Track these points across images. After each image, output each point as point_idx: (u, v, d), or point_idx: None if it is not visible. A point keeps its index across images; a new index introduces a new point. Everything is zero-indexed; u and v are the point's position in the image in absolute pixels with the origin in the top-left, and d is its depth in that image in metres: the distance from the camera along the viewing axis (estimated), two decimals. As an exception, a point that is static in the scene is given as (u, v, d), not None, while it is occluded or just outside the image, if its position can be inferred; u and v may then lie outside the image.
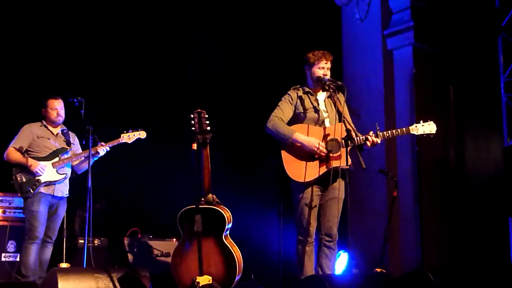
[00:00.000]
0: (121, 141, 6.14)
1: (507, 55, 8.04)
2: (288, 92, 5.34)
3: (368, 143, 5.03)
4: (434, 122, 5.20)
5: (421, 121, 5.20)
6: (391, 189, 7.21)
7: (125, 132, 6.14)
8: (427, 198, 7.75)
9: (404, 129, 5.16)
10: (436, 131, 5.20)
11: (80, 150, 6.33)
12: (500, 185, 7.70)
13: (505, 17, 8.06)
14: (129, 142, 6.16)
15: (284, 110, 5.24)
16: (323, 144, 5.00)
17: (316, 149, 4.98)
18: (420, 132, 5.18)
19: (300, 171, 5.05)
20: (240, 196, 7.55)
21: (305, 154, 5.06)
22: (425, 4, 8.14)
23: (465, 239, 8.00)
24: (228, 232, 5.03)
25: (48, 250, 6.11)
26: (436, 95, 8.19)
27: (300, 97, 5.27)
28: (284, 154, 5.14)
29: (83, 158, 6.16)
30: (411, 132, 5.17)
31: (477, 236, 8.01)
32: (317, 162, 5.03)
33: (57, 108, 6.17)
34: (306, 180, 5.03)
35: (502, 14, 8.09)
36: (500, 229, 7.77)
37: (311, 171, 5.03)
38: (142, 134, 6.19)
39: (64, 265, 5.85)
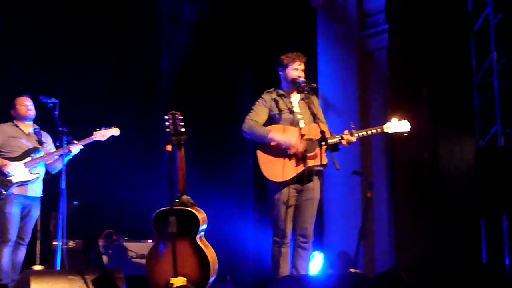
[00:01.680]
0: (94, 139, 6.05)
1: (480, 58, 8.10)
2: (262, 96, 5.35)
3: (344, 142, 5.06)
4: (408, 121, 5.22)
5: (394, 119, 5.23)
6: (365, 190, 7.22)
7: (98, 129, 6.06)
8: (401, 199, 7.79)
9: (378, 127, 5.18)
10: (410, 130, 5.23)
11: (53, 150, 6.24)
12: (472, 186, 7.76)
13: (477, 20, 8.12)
14: (103, 139, 6.08)
15: (258, 112, 5.24)
16: (299, 141, 5.00)
17: (293, 145, 4.97)
18: (394, 130, 5.22)
19: (276, 170, 5.04)
20: (216, 197, 7.53)
21: (281, 153, 5.06)
22: (400, 7, 8.17)
23: (438, 239, 8.05)
24: (202, 233, 5.01)
25: (21, 252, 6.02)
26: (411, 97, 8.22)
27: (274, 99, 5.27)
28: (260, 154, 5.13)
29: (56, 157, 6.07)
30: (385, 130, 5.20)
31: (450, 236, 8.07)
32: (293, 161, 5.04)
33: (26, 103, 6.09)
34: (282, 180, 5.02)
35: (475, 18, 8.15)
36: (473, 230, 7.83)
37: (288, 170, 5.03)
38: (116, 131, 6.12)
39: (37, 267, 5.77)
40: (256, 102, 5.33)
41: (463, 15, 8.28)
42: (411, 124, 5.26)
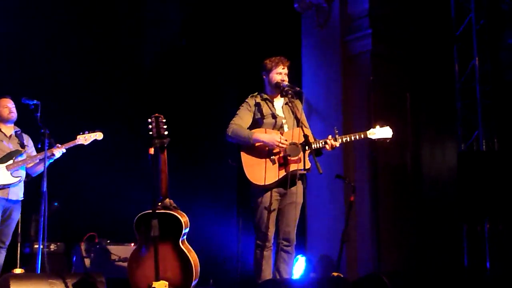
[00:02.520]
0: (77, 143, 5.99)
1: (462, 63, 8.15)
2: (246, 100, 5.33)
3: (327, 147, 5.04)
4: (391, 128, 5.23)
5: (378, 126, 5.23)
6: (348, 193, 7.22)
7: (81, 133, 6.00)
8: (384, 203, 7.81)
9: (361, 133, 5.17)
10: (392, 136, 5.22)
11: (35, 152, 6.17)
12: (454, 190, 7.79)
13: (460, 26, 8.17)
14: (86, 143, 6.02)
15: (242, 117, 5.23)
16: (284, 137, 4.99)
17: (278, 142, 4.96)
18: (377, 136, 5.21)
19: (260, 174, 5.01)
20: (198, 200, 7.50)
21: (264, 156, 5.03)
22: (384, 12, 8.21)
23: (421, 243, 8.08)
24: (185, 237, 4.97)
25: (1, 256, 5.93)
26: (394, 102, 8.25)
27: (258, 104, 5.26)
28: (244, 157, 5.10)
29: (38, 161, 5.99)
30: (368, 136, 5.19)
31: (432, 241, 8.10)
32: (276, 165, 5.02)
33: (7, 105, 6.01)
34: (265, 183, 4.99)
35: (457, 23, 8.20)
36: (455, 233, 7.86)
37: (271, 174, 5.00)
38: (99, 135, 6.06)
39: (18, 270, 5.68)
40: (240, 107, 5.32)
41: (446, 21, 8.34)
42: (393, 128, 5.26)
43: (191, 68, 8.67)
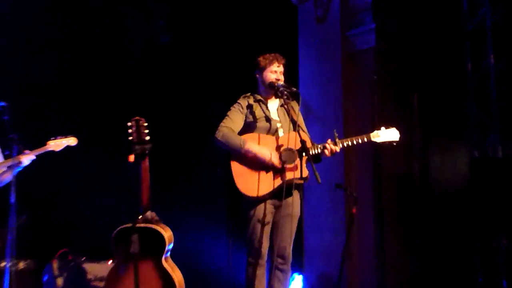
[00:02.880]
0: (48, 149, 5.95)
1: (475, 61, 8.15)
2: (238, 101, 5.33)
3: (327, 152, 5.04)
4: (397, 129, 5.22)
5: (383, 128, 5.22)
6: (349, 205, 7.22)
7: (52, 138, 5.96)
8: (389, 215, 7.80)
9: (364, 136, 5.16)
10: (399, 139, 5.21)
11: (2, 159, 6.13)
12: (467, 201, 7.80)
13: (473, 20, 8.18)
14: (57, 150, 5.98)
15: (234, 119, 5.21)
16: (276, 154, 4.98)
17: (269, 161, 4.95)
18: (382, 139, 5.21)
19: (252, 184, 5.01)
20: (184, 213, 7.48)
21: (257, 165, 5.02)
22: (389, 5, 8.22)
23: (430, 260, 8.07)
24: (168, 253, 4.96)
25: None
26: (400, 103, 8.26)
27: (250, 105, 5.25)
28: (234, 166, 5.09)
29: (5, 169, 5.95)
30: (372, 139, 5.18)
31: (443, 257, 8.09)
32: (270, 174, 5.01)
33: None
34: (258, 195, 4.98)
35: (470, 17, 8.21)
36: (468, 249, 7.86)
37: (265, 184, 4.99)
38: (72, 141, 6.03)
39: (-18, 290, 5.64)
40: (232, 108, 5.30)
41: (457, 14, 8.35)
42: (400, 133, 5.26)
43: (175, 66, 8.65)
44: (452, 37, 8.44)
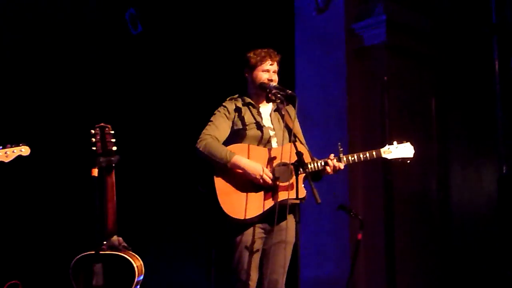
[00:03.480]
0: None
1: (503, 60, 8.18)
2: (224, 104, 5.28)
3: (329, 169, 5.00)
4: (412, 144, 5.21)
5: (395, 142, 5.22)
6: (354, 230, 7.21)
7: (1, 148, 5.94)
8: (402, 242, 7.80)
9: (373, 151, 5.15)
10: (414, 155, 5.21)
11: None
12: (494, 225, 7.81)
13: (500, 12, 8.21)
14: (7, 161, 5.94)
15: (218, 126, 5.18)
16: (268, 171, 4.95)
17: (259, 178, 4.92)
18: (394, 156, 5.20)
19: (239, 205, 4.97)
20: (157, 239, 7.44)
21: (246, 182, 4.99)
22: (402, -6, 8.27)
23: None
24: (138, 286, 4.91)
25: None
26: (415, 109, 8.28)
27: (238, 109, 5.22)
28: (218, 182, 5.05)
29: None
30: (383, 155, 5.17)
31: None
32: (261, 193, 4.97)
33: None
34: (246, 217, 4.95)
35: (498, 9, 8.24)
36: (495, 283, 7.86)
37: (254, 205, 4.96)
38: (25, 150, 5.98)
39: None
40: (216, 112, 5.27)
41: (482, 5, 8.39)
42: (415, 145, 5.25)
43: (149, 62, 8.63)
44: (477, 32, 8.48)
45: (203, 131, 5.16)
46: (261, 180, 4.93)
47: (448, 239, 8.28)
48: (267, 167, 4.98)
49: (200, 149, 5.07)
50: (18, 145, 5.97)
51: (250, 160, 5.01)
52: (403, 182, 7.90)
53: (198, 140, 5.11)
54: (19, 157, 5.99)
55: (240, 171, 4.98)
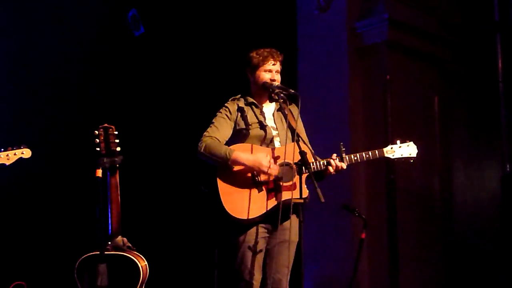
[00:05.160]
0: None
1: (507, 57, 8.17)
2: (225, 105, 5.28)
3: (331, 169, 5.01)
4: (415, 143, 5.24)
5: (398, 142, 5.23)
6: (358, 229, 7.22)
7: (2, 150, 5.96)
8: (405, 241, 7.81)
9: (376, 151, 5.17)
10: (417, 154, 5.23)
11: None
12: (497, 224, 7.82)
13: (504, 9, 8.22)
14: (8, 164, 5.97)
15: (220, 127, 5.18)
16: (274, 162, 4.97)
17: (265, 168, 4.92)
18: (397, 155, 5.21)
19: (241, 205, 4.98)
20: (160, 239, 7.44)
21: (248, 181, 5.01)
22: (404, -8, 8.28)
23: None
24: (143, 286, 4.94)
25: None
26: (417, 108, 8.28)
27: (241, 109, 5.22)
28: (221, 183, 5.06)
29: None
30: (386, 155, 5.19)
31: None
32: (264, 193, 4.98)
33: None
34: (249, 217, 4.97)
35: (501, 6, 8.24)
36: (497, 283, 7.87)
37: (257, 205, 4.97)
38: (26, 153, 6.00)
39: None
40: (218, 113, 5.27)
41: (485, 3, 8.40)
42: (418, 144, 5.27)
43: (151, 63, 8.63)
44: (479, 30, 8.49)
45: (204, 133, 5.17)
46: (267, 172, 4.94)
47: (451, 238, 8.28)
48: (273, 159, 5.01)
49: (201, 151, 5.08)
50: (19, 148, 6.00)
51: (251, 154, 5.03)
52: (406, 181, 7.91)
53: (199, 143, 5.12)
54: (21, 159, 6.04)
55: (242, 166, 5.00)
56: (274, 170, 4.96)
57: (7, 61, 8.07)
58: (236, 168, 5.01)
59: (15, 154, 5.97)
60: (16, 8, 8.21)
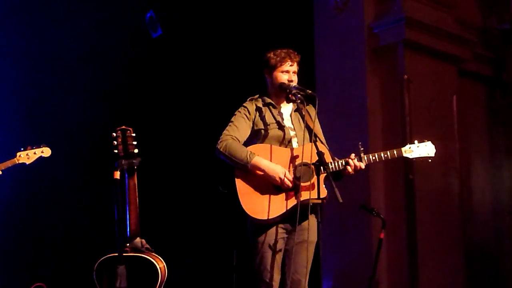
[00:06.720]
0: (17, 162, 5.97)
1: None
2: (244, 104, 5.29)
3: (349, 169, 5.01)
4: (433, 142, 5.21)
5: (416, 141, 5.22)
6: (376, 229, 7.20)
7: (22, 149, 5.99)
8: (424, 241, 7.77)
9: (394, 151, 5.15)
10: (436, 153, 5.21)
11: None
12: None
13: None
14: (28, 163, 6.01)
15: (239, 127, 5.18)
16: (289, 174, 4.95)
17: (279, 180, 4.93)
18: (415, 155, 5.19)
19: (260, 205, 4.98)
20: (179, 240, 7.45)
21: (267, 183, 5.00)
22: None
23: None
24: (162, 288, 4.94)
25: None
26: (435, 107, 8.25)
27: (259, 110, 5.22)
28: (240, 183, 5.06)
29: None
30: (404, 155, 5.17)
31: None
32: (283, 193, 4.98)
33: None
34: (269, 217, 4.96)
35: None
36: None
37: (276, 205, 4.97)
38: (46, 152, 6.05)
39: None
40: (237, 113, 5.27)
41: (503, 2, 8.35)
42: (436, 143, 5.25)
43: (169, 65, 8.65)
44: (497, 28, 8.44)
45: (224, 132, 5.17)
46: (280, 183, 4.94)
47: (470, 237, 8.24)
48: (288, 167, 5.00)
49: (221, 149, 5.08)
50: (39, 147, 6.04)
51: (271, 161, 5.01)
52: (425, 181, 7.87)
53: (219, 141, 5.12)
54: (40, 158, 6.06)
55: (261, 172, 5.00)
56: (289, 181, 4.95)
57: (25, 62, 8.10)
58: (255, 171, 5.01)
59: (35, 153, 6.02)
60: (35, 8, 8.24)
